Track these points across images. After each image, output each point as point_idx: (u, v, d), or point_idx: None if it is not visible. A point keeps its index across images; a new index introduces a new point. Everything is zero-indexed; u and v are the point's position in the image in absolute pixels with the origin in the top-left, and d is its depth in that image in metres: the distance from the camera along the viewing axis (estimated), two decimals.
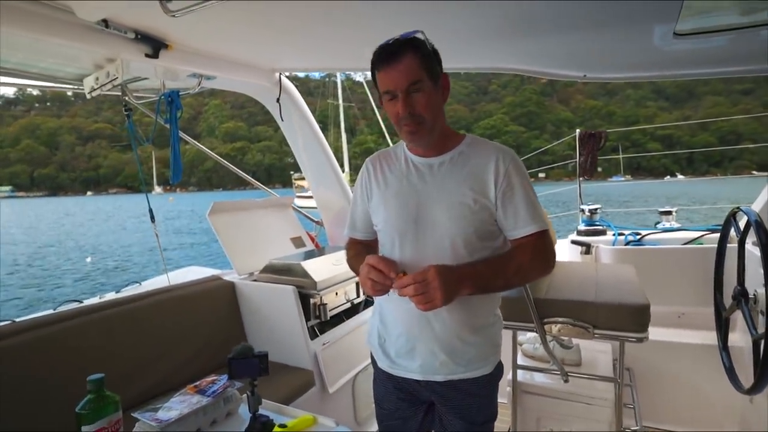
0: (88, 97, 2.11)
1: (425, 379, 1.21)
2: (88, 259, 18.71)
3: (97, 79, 2.03)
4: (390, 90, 1.10)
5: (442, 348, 1.17)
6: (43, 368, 1.64)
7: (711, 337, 2.20)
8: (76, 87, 2.18)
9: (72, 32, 1.58)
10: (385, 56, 1.09)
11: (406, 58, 1.08)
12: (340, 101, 28.12)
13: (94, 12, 1.48)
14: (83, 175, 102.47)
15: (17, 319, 1.87)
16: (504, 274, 1.11)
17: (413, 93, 1.09)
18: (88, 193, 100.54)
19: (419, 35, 1.11)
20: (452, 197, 1.14)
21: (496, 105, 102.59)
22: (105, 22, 1.61)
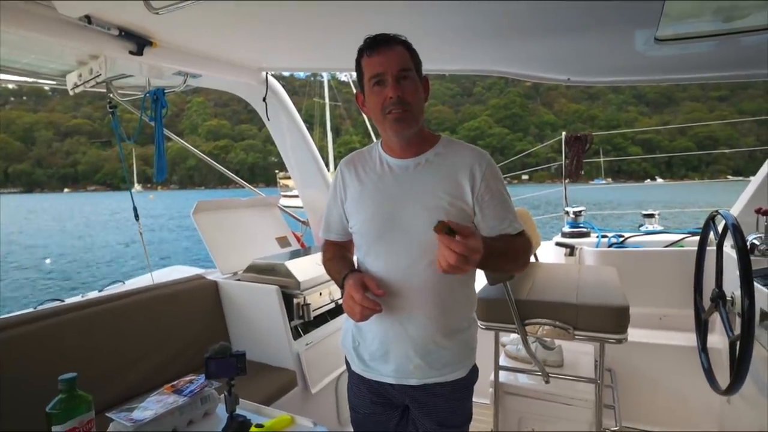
0: (71, 93, 2.09)
1: (399, 383, 1.20)
2: (48, 261, 17.59)
3: (80, 75, 2.00)
4: (379, 73, 1.10)
5: (417, 352, 1.16)
6: (20, 367, 1.62)
7: (691, 339, 2.23)
8: (59, 83, 2.16)
9: (54, 28, 1.56)
10: (376, 42, 1.11)
11: (398, 47, 1.12)
12: (327, 100, 28.01)
13: (76, 8, 1.47)
14: (60, 172, 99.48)
15: None
16: (503, 254, 1.12)
17: (402, 80, 1.10)
18: (66, 190, 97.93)
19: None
20: (428, 199, 1.14)
21: (480, 107, 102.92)
22: (88, 18, 1.60)
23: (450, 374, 1.19)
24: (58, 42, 1.63)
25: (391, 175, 1.20)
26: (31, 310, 2.05)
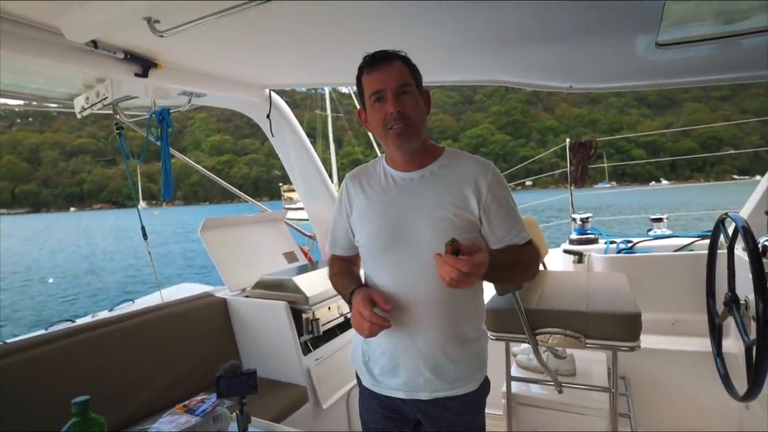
0: (79, 116, 2.13)
1: (410, 397, 1.19)
2: (51, 280, 17.52)
3: (87, 98, 2.04)
4: (379, 90, 1.11)
5: (427, 365, 1.16)
6: (34, 390, 1.62)
7: (705, 344, 2.20)
8: (66, 107, 2.19)
9: (61, 53, 1.60)
10: (375, 59, 1.13)
11: (397, 62, 1.13)
12: (329, 112, 28.22)
13: (82, 33, 1.49)
14: (66, 191, 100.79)
15: (8, 341, 1.85)
16: (512, 266, 1.14)
17: (402, 95, 1.11)
18: (72, 209, 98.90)
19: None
20: (434, 211, 1.14)
21: (482, 114, 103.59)
22: (94, 43, 1.63)
23: (461, 388, 1.18)
24: (65, 67, 1.67)
25: (395, 188, 1.21)
26: (42, 331, 2.06)
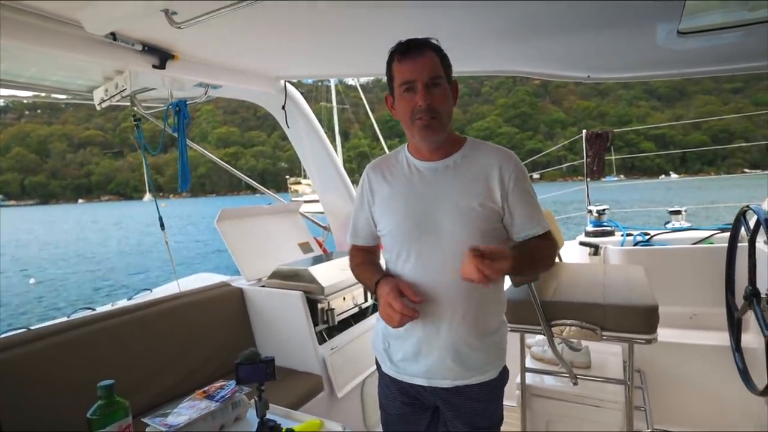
0: (98, 108, 2.16)
1: (431, 384, 1.20)
2: (32, 281, 16.69)
3: (106, 90, 2.07)
4: (409, 80, 1.11)
5: (449, 353, 1.17)
6: (59, 374, 1.68)
7: (724, 338, 2.17)
8: (85, 99, 2.23)
9: (82, 46, 1.62)
10: (408, 47, 1.12)
11: (429, 53, 1.12)
12: (334, 104, 28.14)
13: (102, 26, 1.51)
14: (74, 183, 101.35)
15: (32, 327, 1.91)
16: (532, 262, 1.17)
17: (432, 87, 1.11)
18: (80, 200, 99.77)
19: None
20: (459, 201, 1.15)
21: (488, 107, 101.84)
22: (113, 35, 1.65)
23: (481, 376, 1.20)
24: (85, 59, 1.69)
25: (419, 178, 1.20)
26: (65, 318, 2.12)
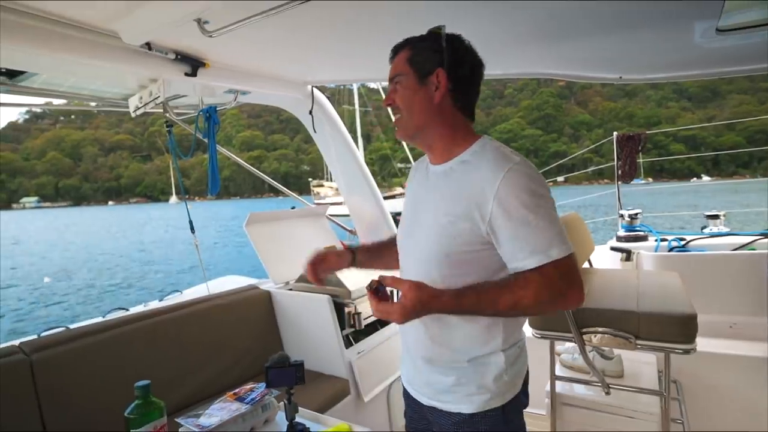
0: (133, 115, 2.23)
1: (416, 398, 1.18)
2: (47, 279, 16.70)
3: (140, 98, 2.14)
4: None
5: (417, 366, 1.15)
6: (96, 373, 1.74)
7: (765, 349, 2.08)
8: (120, 107, 2.31)
9: (118, 56, 1.68)
10: (393, 52, 1.15)
11: (401, 52, 1.11)
12: (357, 107, 28.32)
13: (138, 36, 1.57)
14: (105, 185, 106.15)
15: (71, 326, 1.98)
16: (494, 306, 0.94)
17: (394, 86, 1.11)
18: (110, 202, 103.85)
19: (439, 31, 1.10)
20: (437, 213, 1.05)
21: (512, 109, 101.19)
22: (148, 45, 1.71)
23: (454, 405, 1.07)
24: (122, 68, 1.75)
25: (425, 181, 1.16)
26: (100, 319, 2.19)
